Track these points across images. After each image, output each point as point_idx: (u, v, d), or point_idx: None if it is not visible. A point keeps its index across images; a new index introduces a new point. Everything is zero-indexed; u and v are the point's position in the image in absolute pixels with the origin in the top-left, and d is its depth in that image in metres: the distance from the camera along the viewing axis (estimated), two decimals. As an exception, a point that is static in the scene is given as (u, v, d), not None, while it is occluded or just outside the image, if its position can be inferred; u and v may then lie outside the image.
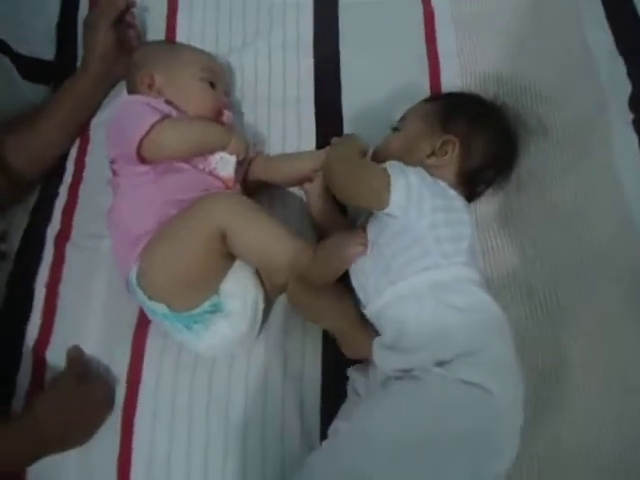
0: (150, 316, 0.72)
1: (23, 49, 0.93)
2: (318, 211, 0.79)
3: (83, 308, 0.78)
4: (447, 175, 0.69)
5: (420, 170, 0.67)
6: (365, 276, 0.66)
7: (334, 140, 0.74)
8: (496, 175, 0.76)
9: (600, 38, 0.88)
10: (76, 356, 0.74)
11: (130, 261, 0.69)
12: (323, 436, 0.69)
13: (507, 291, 0.75)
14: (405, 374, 0.60)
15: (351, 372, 0.71)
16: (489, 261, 0.77)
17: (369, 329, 0.67)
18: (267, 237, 0.66)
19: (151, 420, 0.71)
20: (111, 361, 0.75)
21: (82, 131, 0.89)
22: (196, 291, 0.67)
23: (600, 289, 0.74)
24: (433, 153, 0.70)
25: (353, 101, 0.88)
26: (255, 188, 0.81)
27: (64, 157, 0.89)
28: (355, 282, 0.68)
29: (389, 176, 0.64)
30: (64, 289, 0.79)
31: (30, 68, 0.93)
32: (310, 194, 0.79)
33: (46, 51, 0.95)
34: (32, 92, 0.91)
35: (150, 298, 0.67)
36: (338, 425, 0.63)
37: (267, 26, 0.94)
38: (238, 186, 0.77)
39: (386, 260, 0.64)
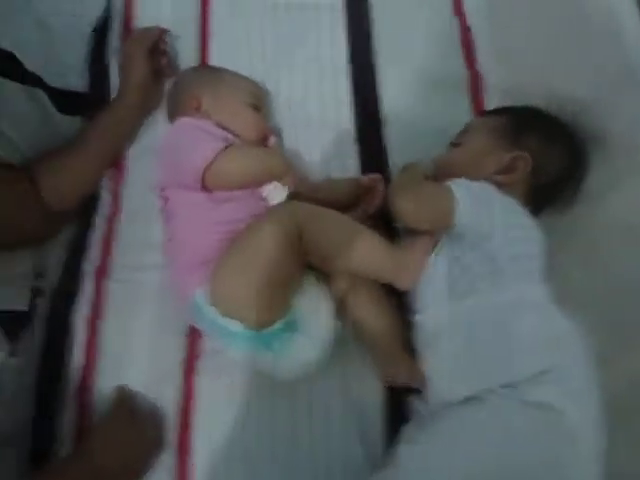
0: (220, 337, 0.68)
1: (57, 83, 0.92)
2: None
3: (126, 345, 0.75)
4: (515, 192, 0.67)
5: (487, 185, 0.65)
6: (431, 284, 0.63)
7: (402, 168, 0.72)
8: (563, 192, 0.73)
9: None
10: (124, 394, 0.71)
11: (195, 283, 0.66)
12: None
13: (571, 310, 0.71)
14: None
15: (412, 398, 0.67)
16: (550, 278, 0.73)
17: (410, 355, 0.65)
18: (352, 236, 0.64)
19: (209, 462, 0.68)
20: (160, 400, 0.72)
21: (117, 162, 0.87)
22: (272, 305, 0.64)
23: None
24: (501, 170, 0.68)
25: (394, 115, 0.86)
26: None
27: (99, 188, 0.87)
28: (416, 289, 0.65)
29: (454, 194, 0.62)
30: (105, 326, 0.76)
31: (65, 101, 0.91)
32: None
33: (79, 84, 0.94)
34: (68, 125, 0.90)
35: (224, 315, 0.64)
36: (398, 450, 0.58)
37: (301, 48, 0.92)
38: None
39: (455, 275, 0.62)
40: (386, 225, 0.77)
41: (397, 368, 0.65)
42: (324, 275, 0.69)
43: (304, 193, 0.76)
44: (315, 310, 0.66)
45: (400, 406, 0.68)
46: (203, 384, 0.71)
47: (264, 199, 0.72)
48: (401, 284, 0.65)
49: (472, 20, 0.93)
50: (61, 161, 0.82)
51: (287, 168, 0.72)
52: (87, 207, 0.85)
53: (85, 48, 0.96)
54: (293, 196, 0.75)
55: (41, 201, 0.79)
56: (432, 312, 0.63)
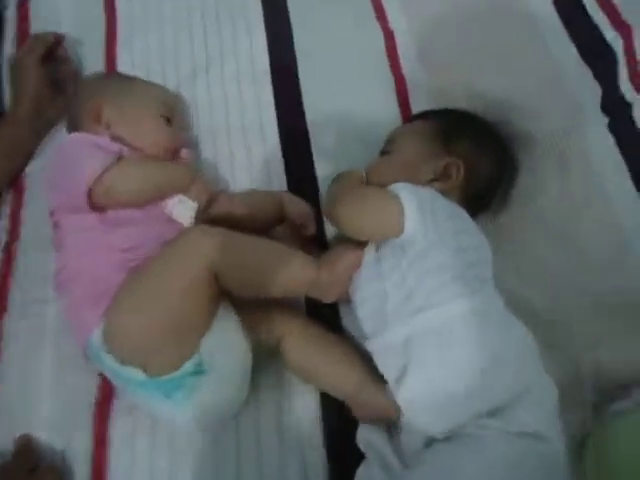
0: (120, 386, 0.61)
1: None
2: None
3: (29, 389, 0.66)
4: (452, 198, 0.64)
5: (432, 190, 0.61)
6: (381, 301, 0.58)
7: (333, 178, 0.67)
8: (494, 195, 0.71)
9: (563, 49, 0.87)
10: (24, 445, 0.62)
11: (91, 323, 0.58)
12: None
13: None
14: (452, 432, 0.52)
15: (364, 432, 0.60)
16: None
17: (383, 386, 0.58)
18: (268, 258, 0.59)
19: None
20: (68, 449, 0.63)
21: (15, 181, 0.78)
22: (177, 348, 0.57)
23: (604, 303, 0.69)
24: (435, 178, 0.65)
25: (319, 122, 0.82)
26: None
27: (-3, 212, 0.77)
28: (363, 310, 0.60)
29: (399, 199, 0.57)
30: (4, 369, 0.67)
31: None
32: (281, 239, 0.69)
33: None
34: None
35: (123, 363, 0.57)
36: None
37: (218, 51, 0.87)
38: None
39: (409, 286, 0.56)
40: (315, 238, 0.72)
41: (372, 406, 0.58)
42: (241, 311, 0.63)
43: (222, 207, 0.70)
44: (227, 347, 0.60)
45: (346, 438, 0.62)
46: (118, 428, 0.63)
47: (170, 219, 0.65)
48: (328, 298, 0.61)
49: (394, 24, 0.91)
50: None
51: (192, 179, 0.66)
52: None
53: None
54: (208, 211, 0.69)
55: None
56: (389, 334, 0.57)
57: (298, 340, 0.62)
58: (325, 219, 0.72)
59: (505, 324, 0.57)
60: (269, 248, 0.61)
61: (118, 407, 0.64)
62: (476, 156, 0.67)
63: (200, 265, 0.57)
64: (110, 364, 0.57)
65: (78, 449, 0.63)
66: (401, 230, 0.57)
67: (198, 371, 0.58)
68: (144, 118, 0.70)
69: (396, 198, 0.58)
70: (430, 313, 0.55)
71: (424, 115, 0.76)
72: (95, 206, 0.61)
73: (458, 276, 0.57)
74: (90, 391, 0.65)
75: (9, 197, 0.78)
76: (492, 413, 0.51)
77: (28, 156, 0.79)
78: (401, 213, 0.57)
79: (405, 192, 0.58)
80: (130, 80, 0.76)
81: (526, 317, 0.68)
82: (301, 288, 0.61)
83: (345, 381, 0.60)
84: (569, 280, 0.71)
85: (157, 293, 0.56)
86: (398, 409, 0.55)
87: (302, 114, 0.82)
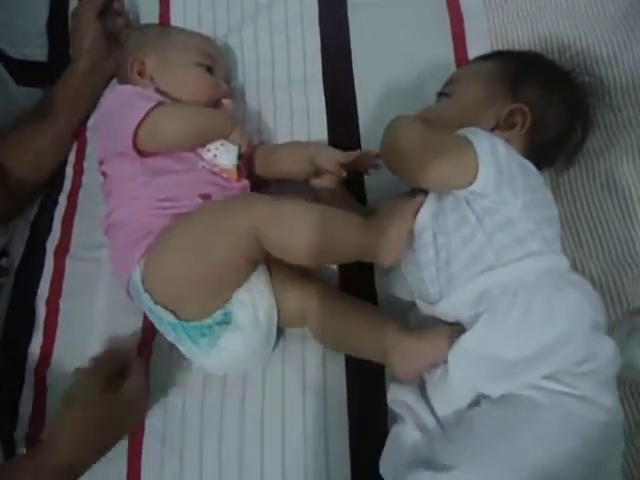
0: (156, 323, 0.65)
1: (15, 52, 0.88)
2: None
3: (85, 324, 0.72)
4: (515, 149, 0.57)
5: (499, 138, 0.55)
6: (446, 259, 0.54)
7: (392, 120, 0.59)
8: (563, 150, 0.65)
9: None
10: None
11: (132, 262, 0.62)
12: (353, 462, 0.61)
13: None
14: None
15: (395, 391, 0.58)
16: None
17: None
18: (317, 225, 0.57)
19: (160, 445, 0.65)
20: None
21: (79, 133, 0.83)
22: (210, 298, 0.60)
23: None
24: (497, 125, 0.59)
25: (366, 77, 0.78)
26: (260, 182, 0.73)
27: (65, 162, 0.83)
28: (426, 273, 0.56)
29: (473, 145, 0.52)
30: (65, 305, 0.74)
31: (24, 72, 0.88)
32: (319, 189, 0.69)
33: (39, 52, 0.90)
34: (26, 97, 0.86)
35: (157, 303, 0.61)
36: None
37: (267, 7, 0.84)
38: (245, 181, 0.69)
39: (478, 243, 0.53)
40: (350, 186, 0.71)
41: (418, 353, 0.55)
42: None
43: (260, 159, 0.72)
44: (253, 301, 0.61)
45: (365, 391, 0.63)
46: (159, 364, 0.68)
47: (208, 171, 0.66)
48: (384, 262, 0.57)
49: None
50: (20, 135, 0.78)
51: (231, 124, 0.67)
52: (53, 182, 0.82)
53: (45, 14, 0.92)
54: (246, 161, 0.70)
55: (2, 177, 0.77)
56: (458, 292, 0.53)
57: (319, 309, 0.62)
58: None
59: (578, 291, 0.52)
60: (317, 214, 0.59)
61: (159, 346, 0.69)
62: (546, 105, 0.60)
63: (246, 227, 0.57)
64: (147, 302, 0.61)
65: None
66: (472, 181, 0.52)
67: (224, 321, 0.60)
68: (185, 69, 0.71)
69: (468, 141, 0.52)
70: (502, 270, 0.52)
71: (490, 56, 0.69)
72: (140, 152, 0.64)
73: (526, 235, 0.53)
74: (136, 330, 0.70)
75: (74, 148, 0.84)
76: (548, 376, 0.49)
77: (89, 108, 0.83)
78: (475, 162, 0.51)
79: (479, 138, 0.53)
80: (171, 31, 0.77)
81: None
82: (356, 255, 0.58)
83: (378, 337, 0.57)
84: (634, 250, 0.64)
85: (201, 247, 0.59)
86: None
87: (349, 67, 0.79)
